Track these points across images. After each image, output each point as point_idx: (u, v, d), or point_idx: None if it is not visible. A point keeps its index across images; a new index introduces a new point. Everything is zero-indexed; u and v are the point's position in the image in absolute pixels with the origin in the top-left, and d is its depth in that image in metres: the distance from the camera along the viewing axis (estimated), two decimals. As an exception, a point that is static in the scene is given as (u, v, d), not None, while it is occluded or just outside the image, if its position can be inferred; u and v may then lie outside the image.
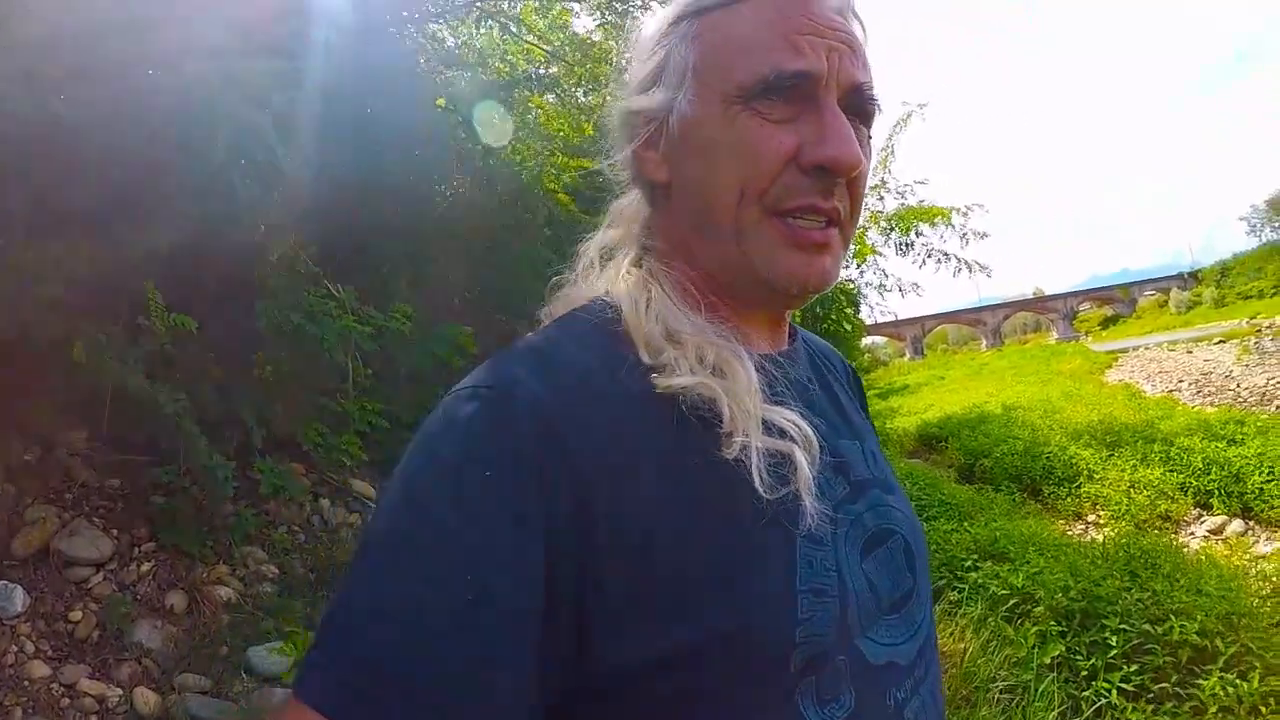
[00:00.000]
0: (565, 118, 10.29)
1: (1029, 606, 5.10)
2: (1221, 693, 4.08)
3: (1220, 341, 33.98)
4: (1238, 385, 21.34)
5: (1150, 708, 4.21)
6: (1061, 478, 10.60)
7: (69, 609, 4.09)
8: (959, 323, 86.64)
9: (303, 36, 4.61)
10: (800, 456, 0.73)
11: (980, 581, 5.55)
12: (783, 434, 0.74)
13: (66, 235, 3.99)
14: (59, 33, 3.28)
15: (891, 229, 13.82)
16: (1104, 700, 4.23)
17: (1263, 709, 3.99)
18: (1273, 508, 9.27)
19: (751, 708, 0.67)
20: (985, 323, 79.38)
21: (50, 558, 4.21)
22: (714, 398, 0.72)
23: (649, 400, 0.72)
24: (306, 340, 5.08)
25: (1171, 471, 10.47)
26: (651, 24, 0.89)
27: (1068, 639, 4.71)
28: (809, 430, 0.76)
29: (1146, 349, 36.59)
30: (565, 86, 10.06)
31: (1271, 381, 20.75)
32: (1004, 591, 5.30)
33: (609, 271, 0.89)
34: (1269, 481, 9.63)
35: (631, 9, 8.91)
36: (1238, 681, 4.13)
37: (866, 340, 32.11)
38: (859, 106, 0.81)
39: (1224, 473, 10.05)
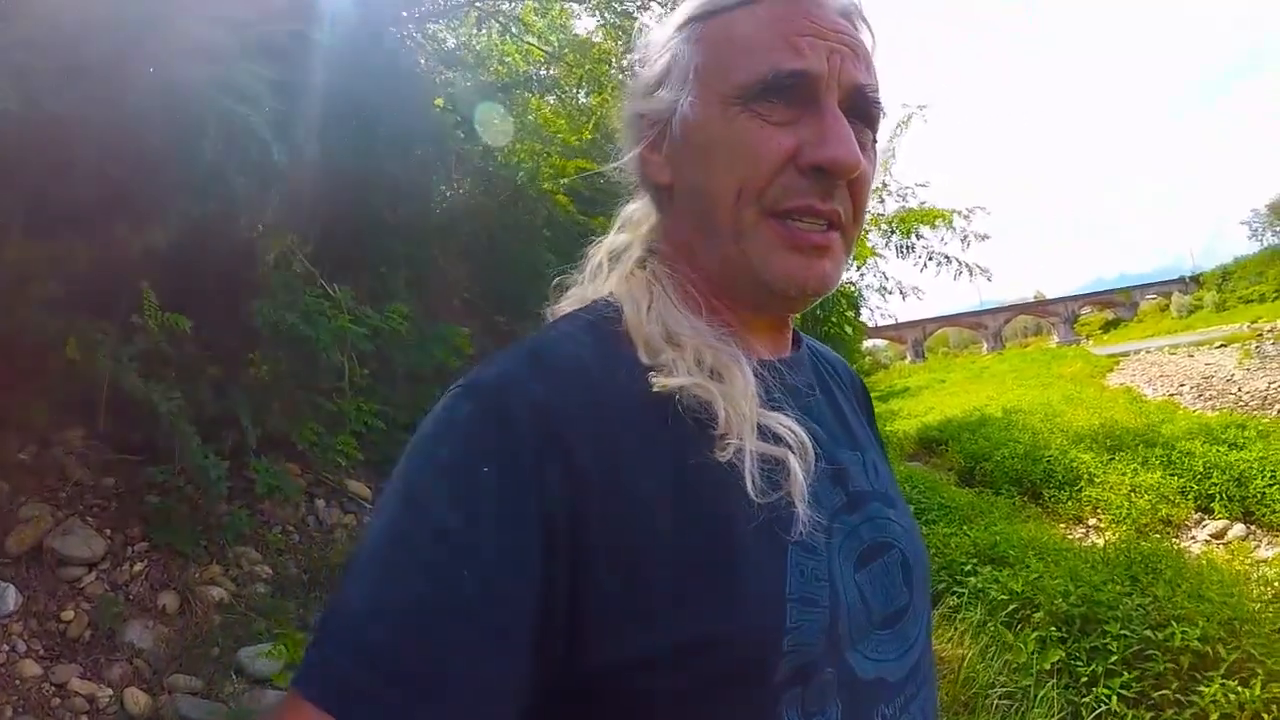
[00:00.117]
0: (565, 119, 10.29)
1: (1029, 612, 5.09)
2: (1223, 699, 4.06)
3: (1221, 345, 33.99)
4: (1239, 389, 21.36)
5: (1150, 715, 4.20)
6: (1062, 481, 10.61)
7: (61, 608, 4.06)
8: (960, 326, 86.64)
9: (302, 36, 4.59)
10: (794, 462, 0.72)
11: (980, 586, 5.54)
12: (778, 439, 0.74)
13: (62, 233, 3.98)
14: (51, 31, 3.27)
15: (892, 231, 13.80)
16: (1104, 707, 4.22)
17: (1265, 716, 3.97)
18: (1274, 512, 9.28)
19: (734, 714, 0.67)
20: (986, 326, 79.33)
21: (43, 556, 4.18)
22: (710, 400, 0.72)
23: (646, 401, 0.72)
24: (303, 340, 5.06)
25: (1173, 475, 10.49)
26: (659, 28, 0.90)
27: (1068, 645, 4.69)
28: (805, 436, 0.75)
29: (1148, 353, 36.56)
30: (565, 88, 10.06)
31: (1273, 385, 20.76)
32: (1003, 596, 5.28)
33: (615, 273, 0.89)
34: (1271, 485, 9.63)
35: (631, 9, 8.91)
36: (1239, 689, 4.11)
37: (867, 343, 32.18)
38: (862, 109, 0.81)
39: (1225, 477, 10.06)
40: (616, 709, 0.66)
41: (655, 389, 0.72)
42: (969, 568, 5.97)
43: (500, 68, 8.98)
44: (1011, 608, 5.17)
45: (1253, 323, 42.96)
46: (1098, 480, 10.44)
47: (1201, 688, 4.19)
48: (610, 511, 0.65)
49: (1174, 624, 4.59)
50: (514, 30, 9.02)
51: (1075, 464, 10.94)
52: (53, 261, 3.95)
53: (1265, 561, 7.07)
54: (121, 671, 3.95)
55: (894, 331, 73.64)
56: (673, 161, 0.84)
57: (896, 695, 0.77)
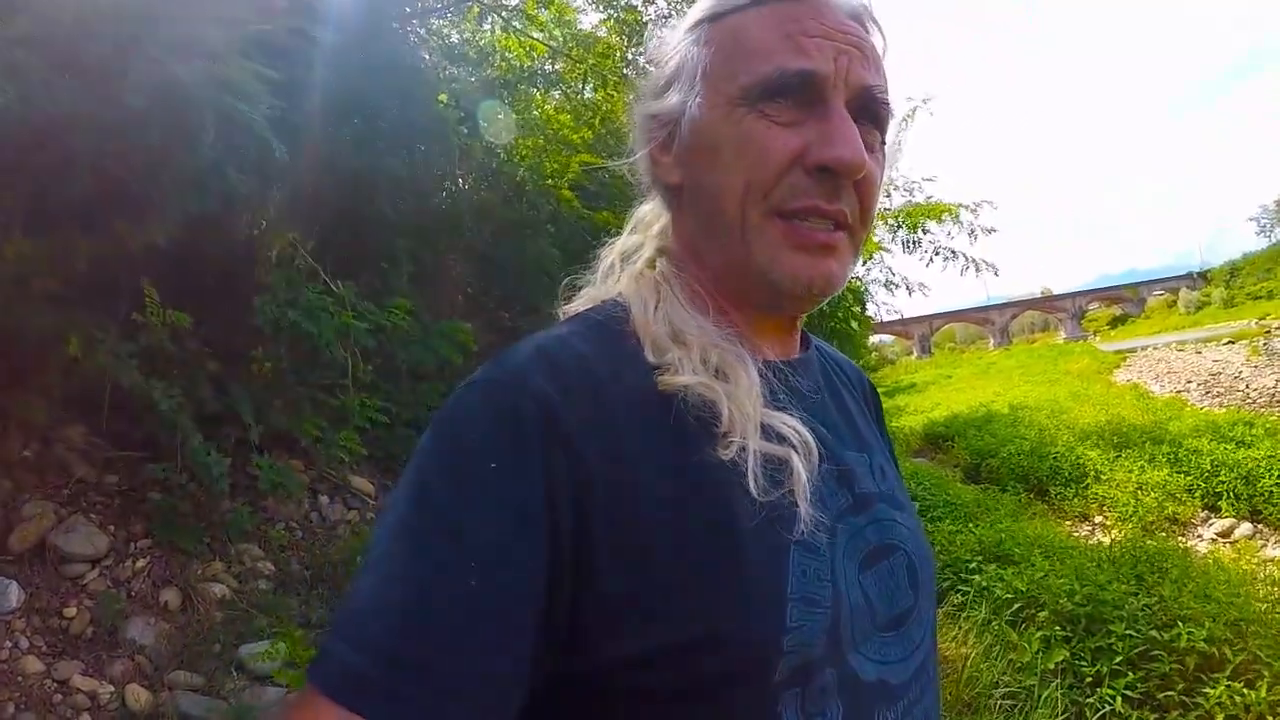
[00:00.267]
0: (569, 114, 10.29)
1: (1033, 611, 5.07)
2: (1229, 701, 4.04)
3: (1229, 342, 33.84)
4: (1247, 386, 21.27)
5: (1155, 716, 4.17)
6: (1068, 478, 10.58)
7: (64, 605, 4.07)
8: (966, 321, 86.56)
9: (302, 33, 4.58)
10: (797, 462, 0.73)
11: (984, 584, 5.52)
12: (781, 439, 0.74)
13: (63, 230, 3.98)
14: (50, 28, 3.26)
15: (899, 226, 13.74)
16: (1108, 708, 4.20)
17: (1270, 718, 3.95)
18: (1282, 511, 9.23)
19: (733, 712, 0.67)
20: (993, 322, 79.21)
21: (46, 553, 4.19)
22: (714, 399, 0.73)
23: (651, 399, 0.73)
24: (305, 336, 5.06)
25: (1180, 473, 10.46)
26: (670, 30, 0.91)
27: (1072, 644, 4.67)
28: (808, 436, 0.76)
29: (1155, 349, 36.43)
30: (570, 83, 10.05)
31: (1280, 383, 20.66)
32: (1008, 595, 5.26)
33: (625, 274, 0.90)
34: (1279, 484, 9.58)
35: (636, 3, 8.89)
36: (1245, 690, 4.08)
37: (874, 338, 32.13)
38: (870, 110, 0.81)
39: (1233, 475, 10.02)
40: (616, 706, 0.67)
41: (661, 388, 0.73)
42: (974, 565, 5.95)
43: (504, 63, 8.96)
44: (1016, 606, 5.14)
45: (1261, 319, 42.78)
46: (1104, 478, 10.41)
47: (1207, 689, 4.17)
48: (615, 508, 0.66)
49: (1180, 624, 4.57)
50: (517, 25, 9.00)
51: (1082, 461, 10.91)
52: (53, 258, 3.95)
53: (1272, 561, 7.03)
54: (123, 668, 3.96)
55: (900, 327, 73.68)
56: (682, 162, 0.85)
57: (899, 699, 0.77)
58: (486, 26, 9.21)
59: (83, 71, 3.32)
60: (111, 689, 3.83)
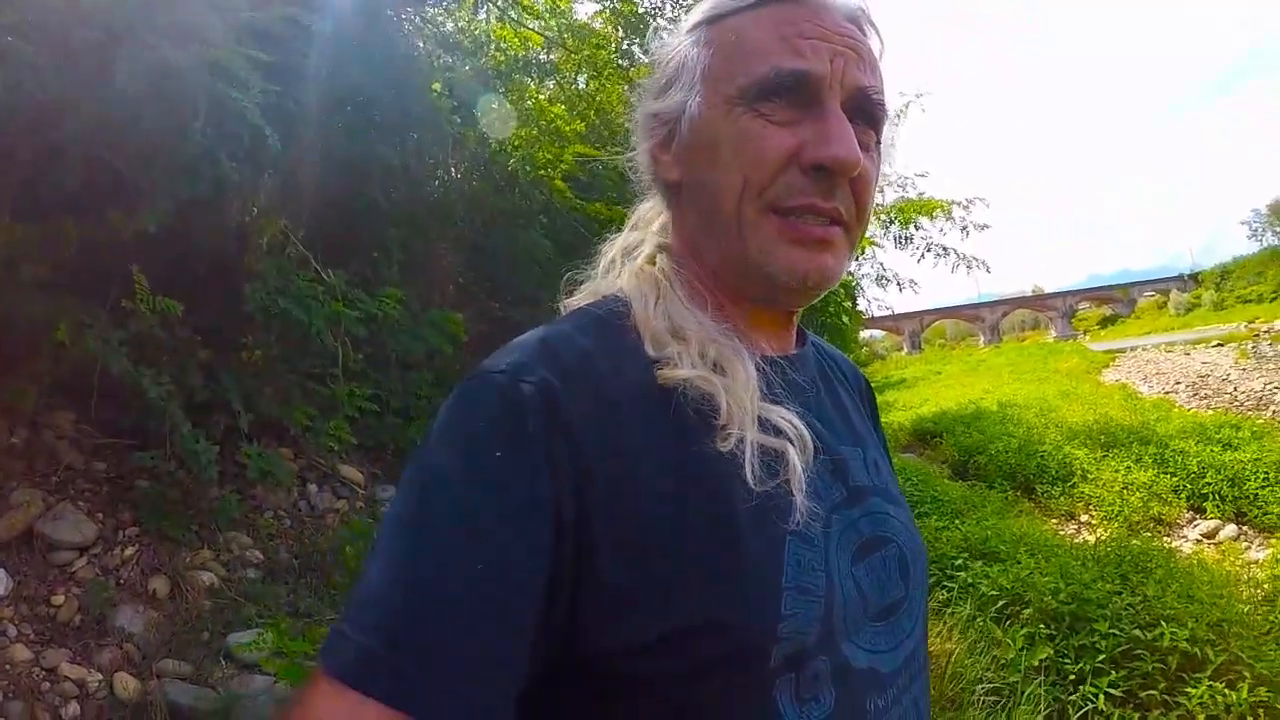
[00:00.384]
0: (563, 105, 10.27)
1: (1018, 608, 5.08)
2: (1210, 701, 4.06)
3: (1218, 344, 33.99)
4: (1234, 389, 21.34)
5: (1138, 715, 4.19)
6: (1055, 477, 10.59)
7: (52, 593, 4.06)
8: (957, 318, 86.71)
9: (296, 20, 4.56)
10: (793, 454, 0.75)
11: (970, 581, 5.53)
12: (778, 432, 0.77)
13: (53, 216, 3.97)
14: (43, 15, 3.25)
15: (891, 221, 13.75)
16: (1090, 705, 4.21)
17: (1250, 719, 3.97)
18: (1267, 513, 9.27)
19: (730, 698, 0.69)
20: (984, 319, 79.42)
21: (34, 541, 4.18)
22: (712, 392, 0.75)
23: (651, 392, 0.75)
24: (295, 324, 5.05)
25: (1166, 474, 10.48)
26: (672, 32, 0.93)
27: (1056, 642, 4.68)
28: (804, 430, 0.78)
29: (1144, 350, 36.55)
30: (564, 73, 10.02)
31: (1269, 386, 20.74)
32: (993, 592, 5.27)
33: (626, 269, 0.92)
34: (1265, 487, 9.63)
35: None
36: (1227, 691, 4.11)
37: (864, 333, 32.17)
38: (865, 111, 0.83)
39: (1219, 477, 10.06)
40: (615, 692, 0.69)
41: (660, 382, 0.76)
42: (960, 562, 5.96)
43: (498, 54, 8.93)
44: (1001, 603, 5.15)
45: (1250, 322, 43.02)
46: (1091, 477, 10.43)
47: (1189, 689, 4.19)
48: (615, 499, 0.68)
49: (1163, 624, 4.58)
50: (513, 15, 8.98)
51: (1069, 460, 10.92)
52: (43, 244, 3.94)
53: (1256, 563, 7.06)
54: (111, 656, 3.95)
55: (891, 322, 73.76)
56: (681, 160, 0.87)
57: (889, 686, 0.79)
58: (482, 15, 9.18)
59: (75, 58, 3.31)
60: (100, 677, 3.83)
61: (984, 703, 4.05)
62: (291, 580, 4.97)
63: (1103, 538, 7.45)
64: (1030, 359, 36.24)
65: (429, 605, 0.61)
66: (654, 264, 0.90)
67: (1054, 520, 9.62)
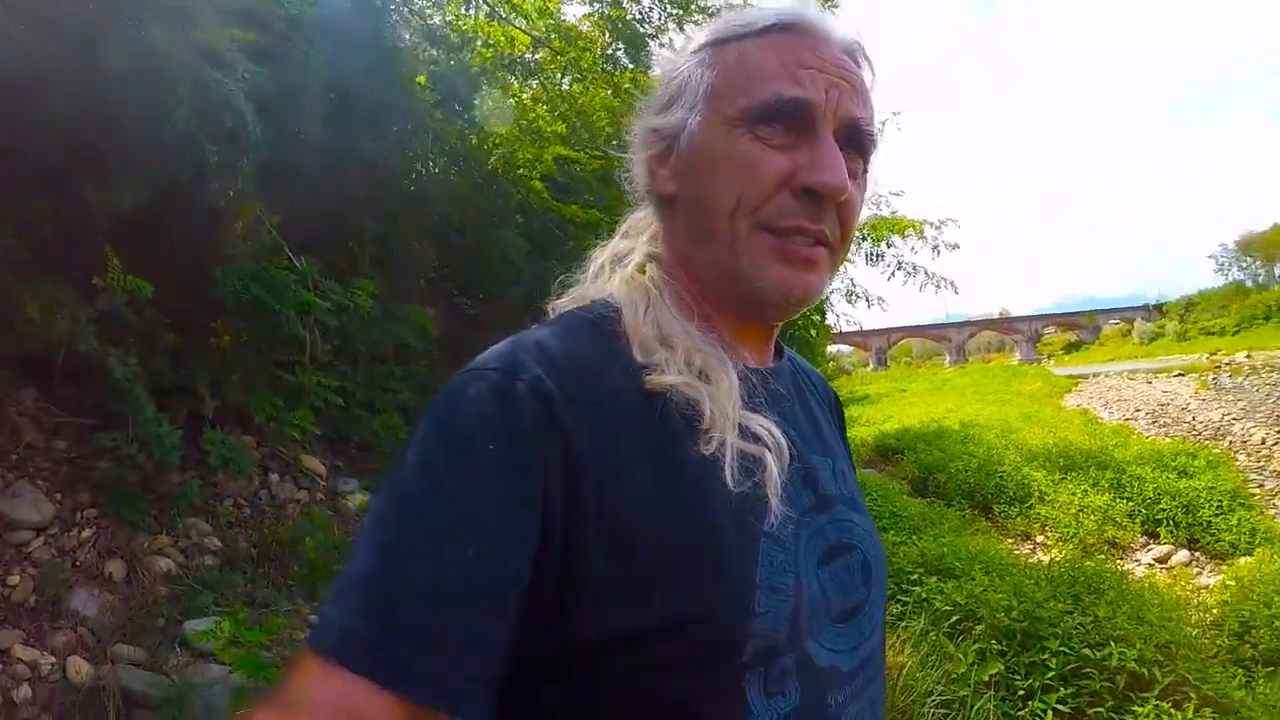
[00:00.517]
0: (546, 105, 10.26)
1: (971, 624, 5.16)
2: (1156, 720, 4.15)
3: (1180, 374, 34.60)
4: (1193, 418, 21.78)
5: (1085, 731, 4.27)
6: (1013, 497, 10.75)
7: (8, 572, 3.98)
8: (924, 337, 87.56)
9: (285, 4, 4.53)
10: (770, 461, 0.78)
11: (925, 596, 5.61)
12: (757, 439, 0.80)
13: (28, 191, 3.91)
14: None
15: (863, 238, 13.84)
16: (1039, 720, 4.29)
17: (1193, 739, 4.07)
18: (1219, 540, 9.50)
19: (703, 689, 0.72)
20: (950, 339, 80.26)
21: (-11, 519, 4.10)
22: (697, 399, 0.78)
23: (639, 396, 0.78)
24: (266, 312, 5.00)
25: (1122, 498, 10.68)
26: (677, 51, 0.97)
27: (1007, 658, 4.76)
28: (781, 438, 0.82)
29: (1107, 376, 37.15)
30: (549, 74, 10.01)
31: (1227, 417, 21.21)
32: (947, 607, 5.35)
33: (616, 276, 0.95)
34: (1218, 515, 9.87)
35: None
36: (1173, 711, 4.20)
37: (831, 348, 32.33)
38: (855, 140, 0.87)
39: (1174, 503, 10.28)
40: (595, 680, 0.72)
41: (648, 386, 0.79)
42: (915, 577, 6.04)
43: (485, 49, 8.90)
44: (954, 619, 5.24)
45: (1212, 354, 43.76)
46: (1048, 499, 10.60)
47: (1135, 708, 4.28)
48: (602, 495, 0.71)
49: (1112, 644, 4.68)
50: (501, 13, 8.97)
51: (1027, 481, 11.09)
52: (19, 221, 3.88)
53: (1206, 588, 7.22)
54: (65, 639, 3.89)
55: (859, 338, 74.32)
56: (678, 174, 0.90)
57: (848, 684, 0.83)
58: (470, 11, 9.15)
59: (63, 35, 3.27)
60: (53, 660, 3.76)
61: (934, 715, 4.11)
62: (249, 570, 4.91)
63: (1057, 558, 7.58)
64: (994, 380, 36.71)
65: (418, 587, 0.63)
66: (644, 273, 0.93)
67: (1010, 540, 9.77)
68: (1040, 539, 9.97)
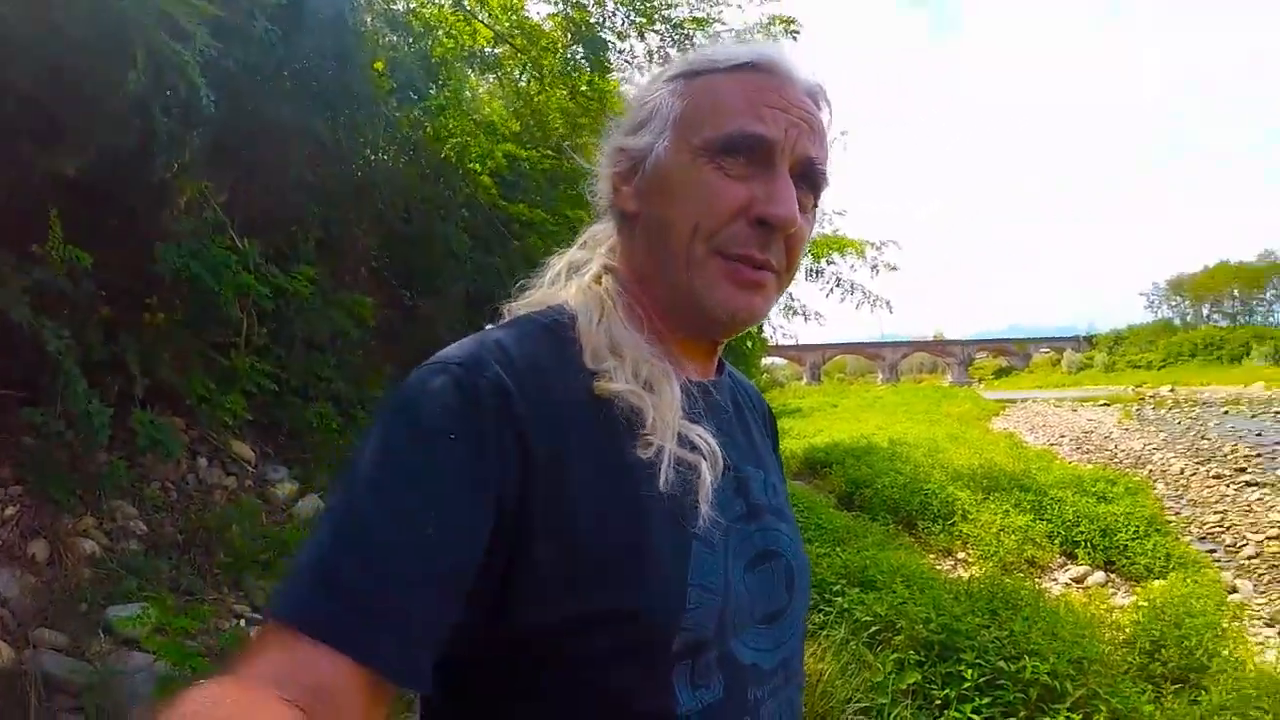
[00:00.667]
0: (501, 101, 10.21)
1: (890, 634, 5.26)
2: (1066, 731, 4.29)
3: (1105, 404, 35.72)
4: (1115, 446, 22.52)
5: (999, 740, 4.39)
6: (937, 514, 10.96)
7: (-74, 549, 3.85)
8: (859, 354, 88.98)
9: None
10: (705, 468, 0.84)
11: (846, 606, 5.69)
12: (694, 447, 0.85)
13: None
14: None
15: (804, 254, 13.93)
16: (954, 729, 4.39)
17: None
18: (1134, 563, 9.87)
19: (634, 679, 0.77)
20: (884, 358, 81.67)
21: (-93, 492, 3.96)
22: (641, 407, 0.83)
23: (588, 400, 0.83)
24: (204, 291, 4.91)
25: (1042, 520, 10.99)
26: (651, 78, 1.03)
27: (925, 668, 4.86)
28: (716, 447, 0.87)
29: (1035, 402, 38.12)
30: (507, 70, 9.97)
31: (1148, 447, 21.98)
32: (867, 618, 5.45)
33: (572, 284, 0.99)
34: (1134, 539, 10.24)
35: (586, 2, 8.88)
36: (1082, 722, 4.34)
37: (766, 360, 32.61)
38: (809, 178, 0.93)
39: (1092, 526, 10.63)
40: (531, 667, 0.77)
41: (597, 391, 0.84)
42: (838, 588, 6.11)
43: (447, 39, 8.82)
44: (874, 629, 5.32)
45: (1137, 386, 45.28)
46: (970, 517, 10.81)
47: (1047, 718, 4.42)
48: (552, 491, 0.76)
49: (1027, 658, 4.80)
50: (465, 4, 8.91)
51: (951, 499, 11.30)
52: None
53: (1120, 609, 7.44)
54: (-16, 621, 3.77)
55: (794, 352, 75.20)
56: (640, 194, 0.95)
57: (768, 681, 0.88)
58: (433, 2, 9.05)
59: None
60: (-28, 641, 3.64)
61: (853, 721, 4.19)
62: (175, 556, 4.80)
63: (977, 575, 7.76)
64: (925, 400, 37.43)
65: (380, 562, 0.66)
66: (600, 283, 0.98)
67: (932, 555, 9.94)
68: (961, 555, 10.18)
